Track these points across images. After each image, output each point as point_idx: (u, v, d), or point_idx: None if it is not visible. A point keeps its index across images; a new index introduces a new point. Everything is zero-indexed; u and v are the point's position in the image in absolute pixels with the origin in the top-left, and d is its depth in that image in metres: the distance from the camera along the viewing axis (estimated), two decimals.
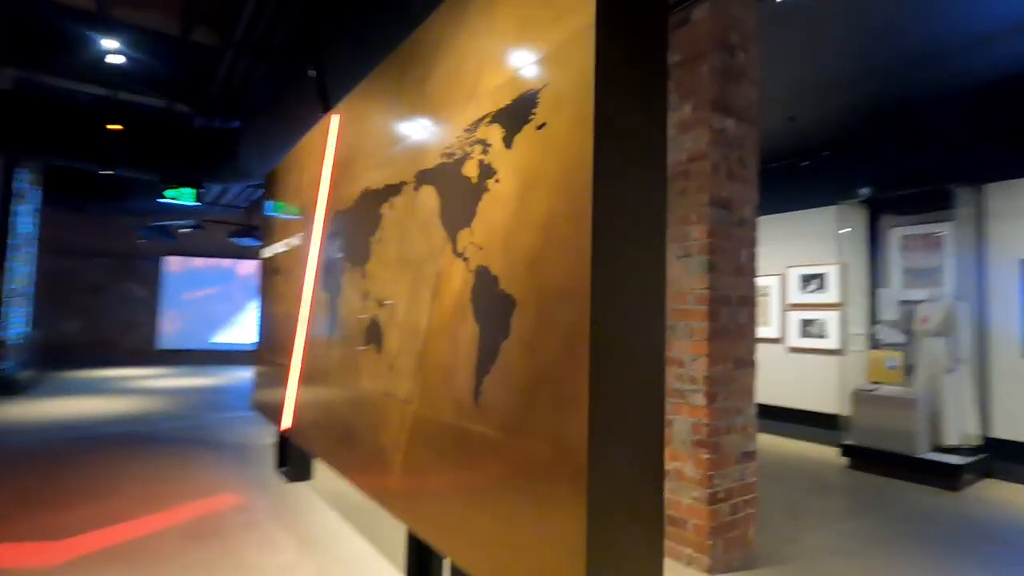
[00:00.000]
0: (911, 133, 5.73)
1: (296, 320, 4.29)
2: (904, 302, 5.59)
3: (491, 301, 2.01)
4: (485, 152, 2.12)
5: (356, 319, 3.15)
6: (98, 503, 3.94)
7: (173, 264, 14.05)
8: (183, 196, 7.86)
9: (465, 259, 2.19)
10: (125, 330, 13.66)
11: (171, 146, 8.03)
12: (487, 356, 2.01)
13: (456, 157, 2.31)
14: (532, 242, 1.83)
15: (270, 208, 5.49)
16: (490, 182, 2.07)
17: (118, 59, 6.20)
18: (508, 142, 1.99)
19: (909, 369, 5.37)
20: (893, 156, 5.86)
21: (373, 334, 2.93)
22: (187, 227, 10.93)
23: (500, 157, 2.03)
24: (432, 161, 2.49)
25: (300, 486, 4.44)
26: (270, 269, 5.20)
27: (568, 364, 1.64)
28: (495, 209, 2.04)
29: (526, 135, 1.90)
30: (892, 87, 5.20)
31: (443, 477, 2.21)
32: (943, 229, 5.43)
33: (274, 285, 5.05)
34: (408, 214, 2.67)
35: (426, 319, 2.44)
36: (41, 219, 10.37)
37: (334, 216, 3.62)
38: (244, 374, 11.99)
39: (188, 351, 14.05)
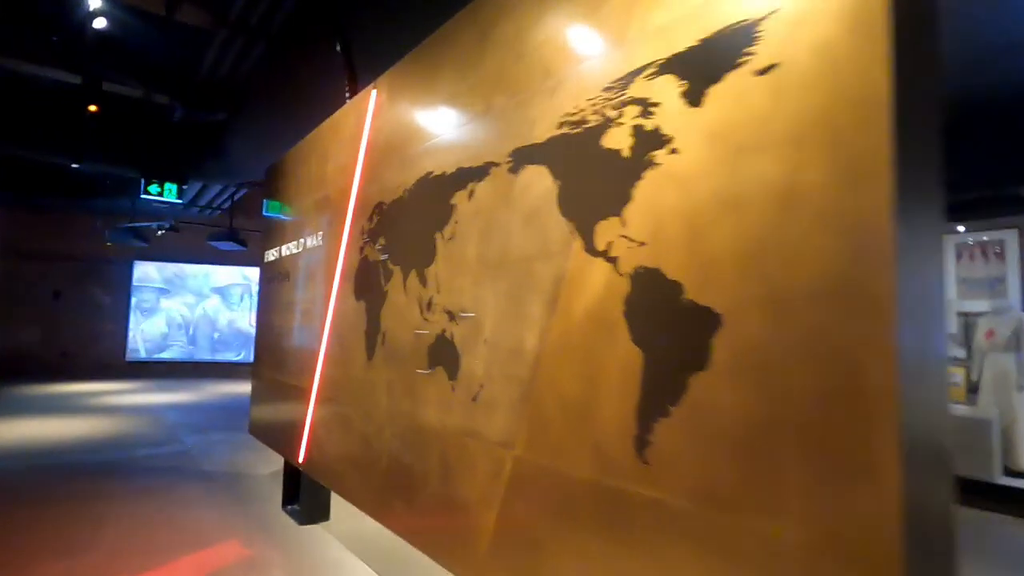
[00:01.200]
0: (970, 133, 5.42)
1: (312, 334, 3.65)
2: (962, 314, 5.24)
3: (666, 315, 1.46)
4: (646, 115, 1.57)
5: (412, 335, 2.55)
6: (68, 559, 3.21)
7: (144, 269, 13.04)
8: (166, 192, 7.07)
9: (611, 259, 1.63)
10: (90, 340, 12.59)
11: (150, 139, 7.26)
12: (659, 391, 1.45)
13: (588, 126, 1.75)
14: (749, 229, 1.29)
15: (272, 207, 4.83)
16: (658, 154, 1.53)
17: (100, 23, 5.42)
18: (695, 97, 1.45)
19: (973, 387, 5.00)
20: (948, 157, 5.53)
21: (441, 354, 2.34)
22: (161, 229, 10.07)
23: (677, 119, 1.49)
24: (542, 133, 1.94)
25: (316, 530, 3.78)
26: (274, 274, 4.54)
27: (842, 404, 1.10)
28: (669, 190, 1.49)
29: (733, 84, 1.36)
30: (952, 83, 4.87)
31: (575, 552, 1.64)
32: (1005, 236, 5.10)
33: (279, 292, 4.38)
34: (500, 203, 2.10)
35: (536, 338, 1.87)
36: None
37: (374, 210, 3.02)
38: (225, 388, 11.10)
39: (160, 363, 13.04)
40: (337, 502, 3.92)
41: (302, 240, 4.00)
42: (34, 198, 11.10)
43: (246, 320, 13.61)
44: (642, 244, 1.55)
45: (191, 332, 13.36)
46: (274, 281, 4.53)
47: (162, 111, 8.03)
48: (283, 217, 4.50)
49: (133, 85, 7.21)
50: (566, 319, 1.76)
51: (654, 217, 1.53)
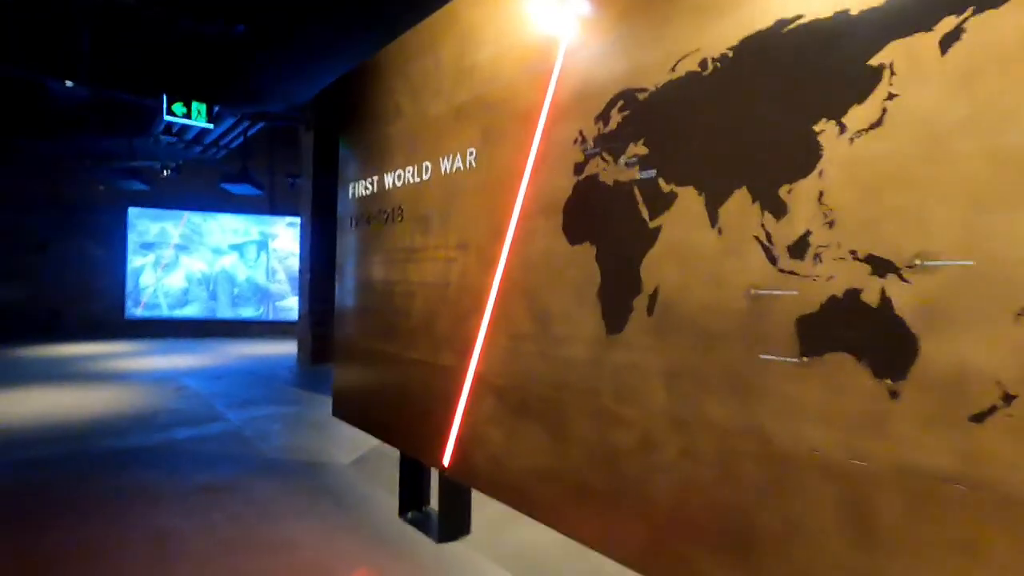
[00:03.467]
0: None
1: (462, 293, 2.63)
2: None
3: None
4: None
5: (743, 297, 1.56)
6: None
7: (139, 216, 11.69)
8: (194, 114, 5.78)
9: None
10: (83, 298, 11.34)
11: (162, 54, 5.90)
12: None
13: None
14: None
15: (351, 129, 3.69)
16: None
17: None
18: None
19: None
20: None
21: (846, 332, 1.36)
22: (166, 168, 8.74)
23: None
24: None
25: (460, 549, 2.87)
26: (370, 214, 3.45)
27: None
28: None
29: None
30: None
31: None
32: None
33: (383, 237, 3.32)
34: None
35: None
36: None
37: (613, 105, 1.95)
38: (242, 349, 10.05)
39: (164, 321, 11.88)
40: (482, 512, 3.00)
41: (428, 164, 2.91)
42: (9, 136, 9.60)
43: (263, 276, 12.42)
44: None
45: (211, 288, 12.16)
46: (370, 223, 3.46)
47: (162, 26, 6.61)
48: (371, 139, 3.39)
49: None
50: None
51: None
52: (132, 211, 11.60)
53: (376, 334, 3.35)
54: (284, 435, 4.84)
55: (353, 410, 3.63)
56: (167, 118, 5.58)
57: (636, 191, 1.86)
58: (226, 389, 6.69)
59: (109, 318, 11.50)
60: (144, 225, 11.76)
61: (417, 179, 3.01)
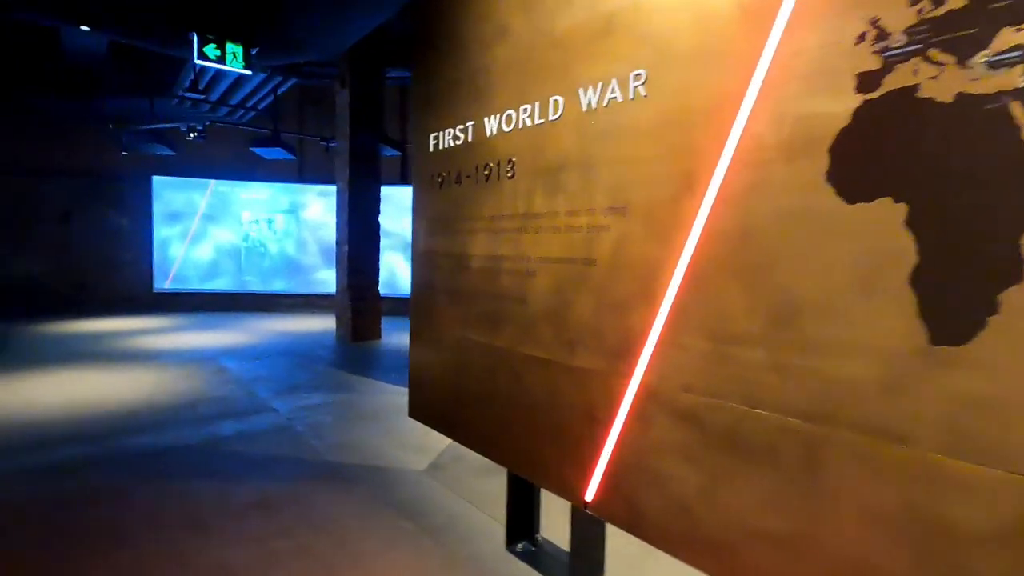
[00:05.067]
0: None
1: (619, 275, 1.92)
2: None
3: None
4: None
5: None
6: None
7: (164, 186, 11.10)
8: (229, 58, 5.04)
9: None
10: (107, 270, 10.88)
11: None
12: None
13: None
14: None
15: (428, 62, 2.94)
16: None
17: None
18: None
19: None
20: None
21: None
22: (192, 131, 8.06)
23: None
24: None
25: None
26: (458, 171, 2.73)
27: None
28: None
29: None
30: None
31: None
32: None
33: (491, 201, 2.60)
34: None
35: None
36: None
37: None
38: (274, 325, 9.53)
39: (193, 295, 11.40)
40: (621, 549, 2.35)
41: (558, 100, 2.16)
42: (26, 98, 8.99)
43: (293, 248, 11.83)
44: None
45: (240, 260, 11.63)
46: (461, 182, 2.73)
47: None
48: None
49: None
50: None
51: None
52: (157, 180, 11.01)
53: (473, 322, 2.66)
54: (339, 430, 4.24)
55: (438, 414, 2.97)
56: (198, 62, 4.85)
57: (1015, 109, 1.11)
58: (267, 372, 6.13)
59: (136, 292, 11.04)
60: (169, 195, 11.18)
61: (538, 121, 2.27)
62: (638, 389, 1.87)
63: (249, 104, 8.80)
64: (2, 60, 7.95)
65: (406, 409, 3.21)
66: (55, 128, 10.23)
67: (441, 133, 2.88)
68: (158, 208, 11.14)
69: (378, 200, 8.43)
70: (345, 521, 2.81)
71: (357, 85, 7.86)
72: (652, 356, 1.82)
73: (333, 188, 11.21)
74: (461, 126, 2.73)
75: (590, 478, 2.06)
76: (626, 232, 1.90)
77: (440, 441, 3.93)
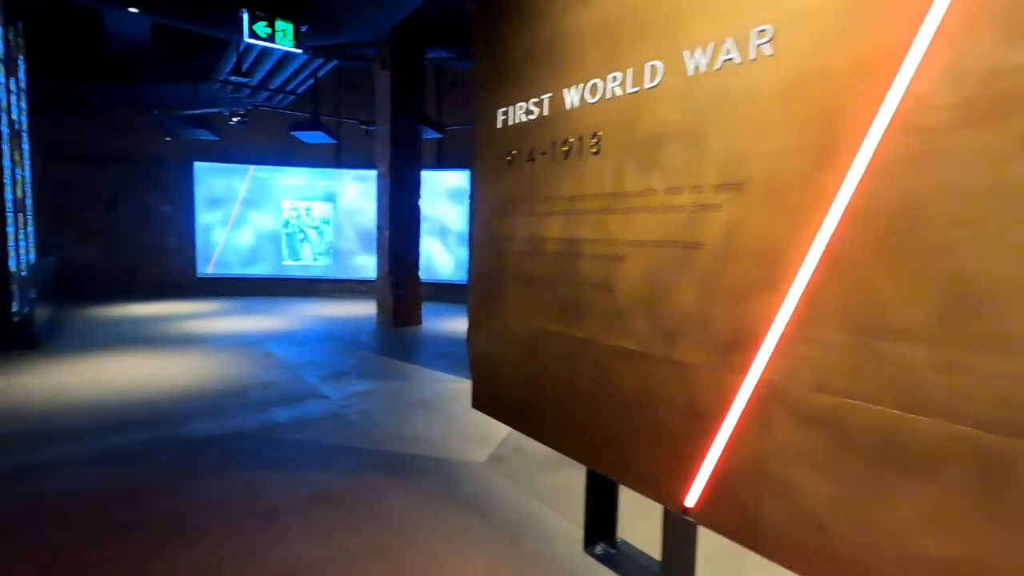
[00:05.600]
0: None
1: (734, 259, 1.72)
2: None
3: None
4: None
5: None
6: None
7: (206, 172, 11.21)
8: (279, 36, 4.94)
9: None
10: (153, 255, 11.08)
11: None
12: None
13: None
14: None
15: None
16: None
17: None
18: None
19: None
20: None
21: None
22: (235, 115, 8.04)
23: None
24: None
25: None
26: (545, 146, 2.54)
27: None
28: None
29: None
30: None
31: None
32: None
33: (571, 179, 2.42)
34: None
35: None
36: (30, 108, 7.52)
37: None
38: (314, 310, 9.56)
39: (234, 280, 11.55)
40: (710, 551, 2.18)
41: (657, 65, 1.95)
42: (73, 85, 9.10)
43: (330, 233, 11.85)
44: None
45: (279, 245, 11.72)
46: (534, 160, 2.55)
47: None
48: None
49: None
50: None
51: None
52: (198, 166, 11.12)
53: (549, 311, 2.49)
54: (393, 418, 4.15)
55: (507, 407, 2.82)
56: (248, 40, 4.75)
57: None
58: (313, 357, 6.10)
59: (181, 277, 11.23)
60: (210, 181, 11.29)
61: (630, 89, 2.06)
62: (756, 386, 1.68)
63: (289, 88, 8.73)
64: (50, 48, 8.04)
65: (457, 397, 3.09)
66: (101, 114, 10.39)
67: (511, 108, 2.69)
68: (200, 194, 11.27)
69: (418, 184, 8.30)
70: (413, 518, 2.70)
71: (399, 66, 7.70)
72: (775, 350, 1.62)
73: (369, 173, 11.15)
74: (535, 99, 2.54)
75: (691, 482, 1.88)
76: (743, 211, 1.70)
77: (498, 431, 3.81)
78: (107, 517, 2.65)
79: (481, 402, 3.02)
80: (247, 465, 3.27)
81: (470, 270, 3.12)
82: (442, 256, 11.31)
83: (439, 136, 8.48)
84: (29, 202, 7.61)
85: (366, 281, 11.48)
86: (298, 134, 8.22)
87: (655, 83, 1.97)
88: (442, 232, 11.28)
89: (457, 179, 11.00)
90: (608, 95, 2.16)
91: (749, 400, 1.70)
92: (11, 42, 6.56)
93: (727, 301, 1.74)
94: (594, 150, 2.23)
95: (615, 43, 2.13)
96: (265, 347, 6.58)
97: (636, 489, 2.12)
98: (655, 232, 1.99)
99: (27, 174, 7.49)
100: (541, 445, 2.58)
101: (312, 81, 8.31)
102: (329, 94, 10.71)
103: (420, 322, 8.45)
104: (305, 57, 7.28)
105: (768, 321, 1.64)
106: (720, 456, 1.79)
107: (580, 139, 2.30)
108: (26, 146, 7.47)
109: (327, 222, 11.81)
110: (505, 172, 2.76)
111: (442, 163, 11.36)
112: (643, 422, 2.04)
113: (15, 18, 6.76)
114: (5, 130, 6.14)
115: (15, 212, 6.48)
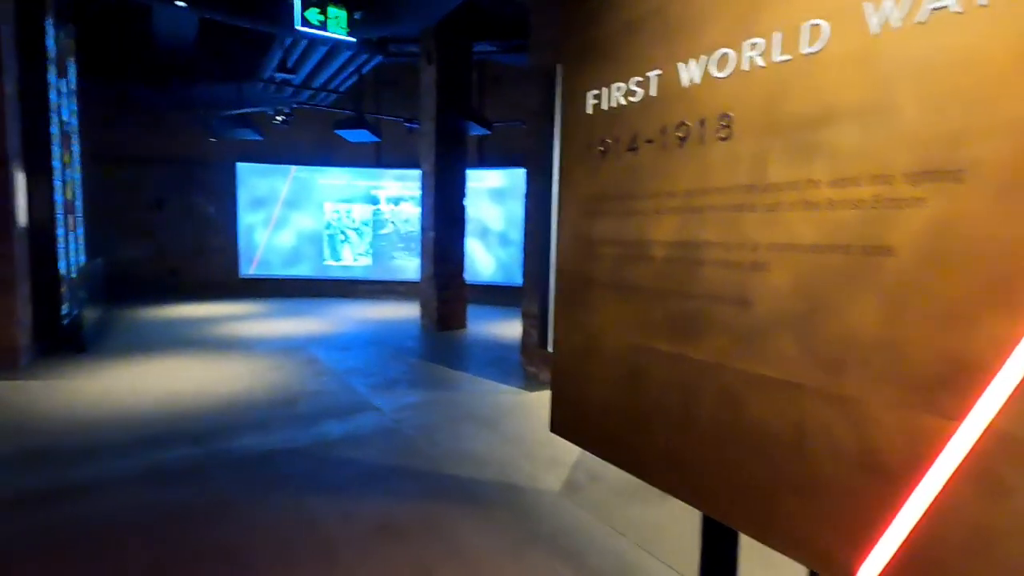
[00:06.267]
0: None
1: (942, 270, 1.32)
2: None
3: None
4: None
5: None
6: None
7: (248, 173, 11.18)
8: (331, 23, 4.71)
9: None
10: (197, 255, 11.11)
11: None
12: None
13: None
14: None
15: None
16: None
17: None
18: None
19: None
20: None
21: None
22: (280, 114, 7.90)
23: None
24: None
25: None
26: (652, 133, 2.18)
27: None
28: None
29: None
30: None
31: None
32: None
33: (688, 171, 2.05)
34: None
35: None
36: (79, 108, 7.52)
37: None
38: (356, 312, 9.38)
39: (276, 280, 11.50)
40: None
41: (807, 29, 1.56)
42: (117, 85, 9.14)
43: (371, 233, 11.70)
44: None
45: (320, 246, 11.63)
46: (638, 149, 2.18)
47: None
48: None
49: None
50: None
51: None
52: (240, 167, 11.11)
53: (657, 327, 2.12)
54: (452, 434, 3.83)
55: (596, 435, 2.45)
56: (299, 29, 4.54)
57: None
58: (360, 364, 5.85)
59: (224, 277, 11.23)
60: (252, 181, 11.26)
61: (777, 58, 1.67)
62: (981, 437, 1.27)
63: (333, 85, 8.56)
64: (99, 50, 8.05)
65: (515, 410, 2.76)
66: (147, 115, 10.45)
67: (606, 89, 2.33)
68: (242, 195, 11.25)
69: (464, 184, 8.01)
70: (493, 561, 2.36)
71: (445, 60, 7.42)
72: (1016, 392, 1.22)
73: (410, 172, 10.94)
74: (639, 77, 2.17)
75: (867, 551, 1.48)
76: (958, 207, 1.30)
77: (565, 450, 3.46)
78: (151, 549, 2.39)
79: (562, 427, 2.66)
80: (301, 488, 3.00)
81: (554, 277, 2.76)
82: (483, 257, 11.02)
83: (486, 132, 8.18)
84: (79, 204, 7.62)
85: (406, 283, 11.28)
86: (342, 132, 8.05)
87: (816, 48, 1.57)
88: (483, 233, 10.98)
89: (498, 178, 10.69)
90: (744, 67, 1.77)
91: (968, 455, 1.30)
92: (62, 44, 6.53)
93: (933, 323, 1.34)
94: (722, 135, 1.85)
95: (747, 5, 1.75)
96: (310, 351, 6.37)
97: (783, 551, 1.73)
98: (814, 234, 1.59)
99: (77, 176, 7.50)
100: (618, 470, 2.21)
101: (356, 78, 8.11)
102: (370, 93, 10.54)
103: (464, 325, 8.16)
104: (351, 52, 7.07)
105: (1003, 352, 1.23)
106: (918, 523, 1.39)
107: (702, 122, 1.92)
108: (76, 147, 7.47)
109: (367, 224, 11.65)
110: (597, 164, 2.40)
111: (484, 161, 11.07)
112: (794, 469, 1.65)
113: (66, 20, 6.73)
114: (55, 131, 6.09)
115: (65, 214, 6.45)
